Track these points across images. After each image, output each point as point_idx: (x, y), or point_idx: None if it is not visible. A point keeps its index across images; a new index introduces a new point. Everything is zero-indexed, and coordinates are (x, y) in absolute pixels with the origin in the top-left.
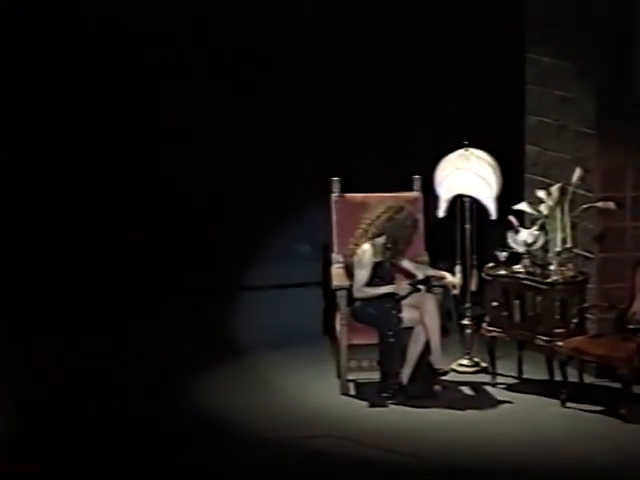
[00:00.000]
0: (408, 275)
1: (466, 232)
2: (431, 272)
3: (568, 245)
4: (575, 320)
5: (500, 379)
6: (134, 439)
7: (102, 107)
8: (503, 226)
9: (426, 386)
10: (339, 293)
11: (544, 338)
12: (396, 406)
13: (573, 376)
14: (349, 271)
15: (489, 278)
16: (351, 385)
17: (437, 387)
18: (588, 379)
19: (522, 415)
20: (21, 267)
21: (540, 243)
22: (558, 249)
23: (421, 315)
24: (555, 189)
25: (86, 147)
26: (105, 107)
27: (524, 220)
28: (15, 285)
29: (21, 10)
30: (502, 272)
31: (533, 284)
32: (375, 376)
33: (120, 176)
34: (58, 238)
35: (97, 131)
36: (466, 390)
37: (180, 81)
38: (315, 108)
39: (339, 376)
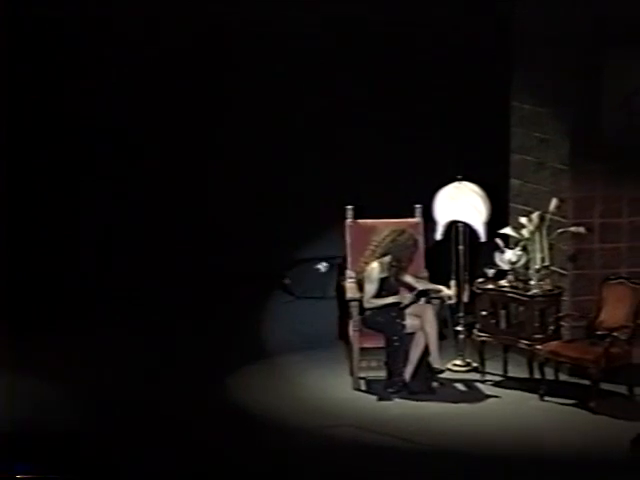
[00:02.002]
0: (410, 288)
1: (460, 252)
2: (430, 286)
3: (546, 263)
4: (552, 327)
5: (488, 377)
6: (174, 431)
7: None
8: (491, 247)
9: (425, 383)
10: (352, 304)
11: (526, 342)
12: (400, 400)
13: (550, 374)
14: (360, 285)
15: (479, 291)
16: (362, 382)
17: (435, 384)
18: (563, 377)
19: (507, 407)
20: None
21: (522, 262)
22: (537, 267)
23: (421, 322)
24: (535, 216)
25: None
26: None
27: (509, 242)
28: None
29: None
30: (490, 286)
31: (516, 296)
32: (382, 374)
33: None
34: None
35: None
36: (459, 386)
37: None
38: (337, 153)
39: (352, 374)
